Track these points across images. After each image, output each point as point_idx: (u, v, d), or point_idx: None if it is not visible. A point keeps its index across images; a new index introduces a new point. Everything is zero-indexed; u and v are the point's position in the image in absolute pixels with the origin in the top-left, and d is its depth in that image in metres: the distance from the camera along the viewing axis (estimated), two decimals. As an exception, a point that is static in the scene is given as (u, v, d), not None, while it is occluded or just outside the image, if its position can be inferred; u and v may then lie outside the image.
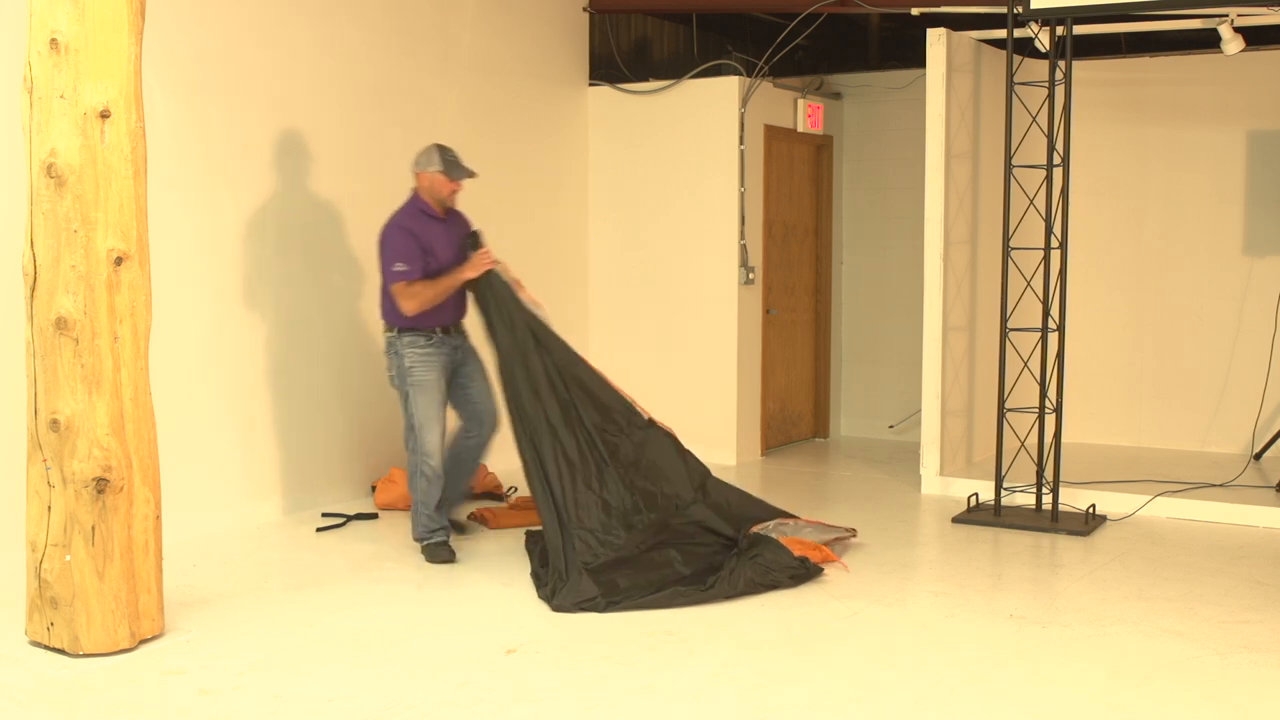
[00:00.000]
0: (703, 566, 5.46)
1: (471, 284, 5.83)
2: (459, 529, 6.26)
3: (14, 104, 4.61)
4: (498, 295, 5.79)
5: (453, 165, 5.83)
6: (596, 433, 5.72)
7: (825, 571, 5.59)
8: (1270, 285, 7.99)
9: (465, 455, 6.07)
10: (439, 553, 5.82)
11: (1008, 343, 6.93)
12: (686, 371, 8.50)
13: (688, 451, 5.99)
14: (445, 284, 5.76)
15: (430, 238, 5.79)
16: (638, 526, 5.59)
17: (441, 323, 5.83)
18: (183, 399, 6.16)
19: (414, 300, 5.69)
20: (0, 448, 5.36)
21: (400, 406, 5.91)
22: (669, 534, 5.66)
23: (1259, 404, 8.00)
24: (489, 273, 5.80)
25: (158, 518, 4.64)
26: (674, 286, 8.55)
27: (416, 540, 5.93)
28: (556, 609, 5.10)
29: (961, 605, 5.22)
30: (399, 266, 5.68)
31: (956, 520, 6.74)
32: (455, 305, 5.90)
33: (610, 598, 5.12)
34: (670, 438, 5.95)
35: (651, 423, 5.90)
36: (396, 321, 5.80)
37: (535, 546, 5.65)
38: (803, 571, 5.50)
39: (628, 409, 5.87)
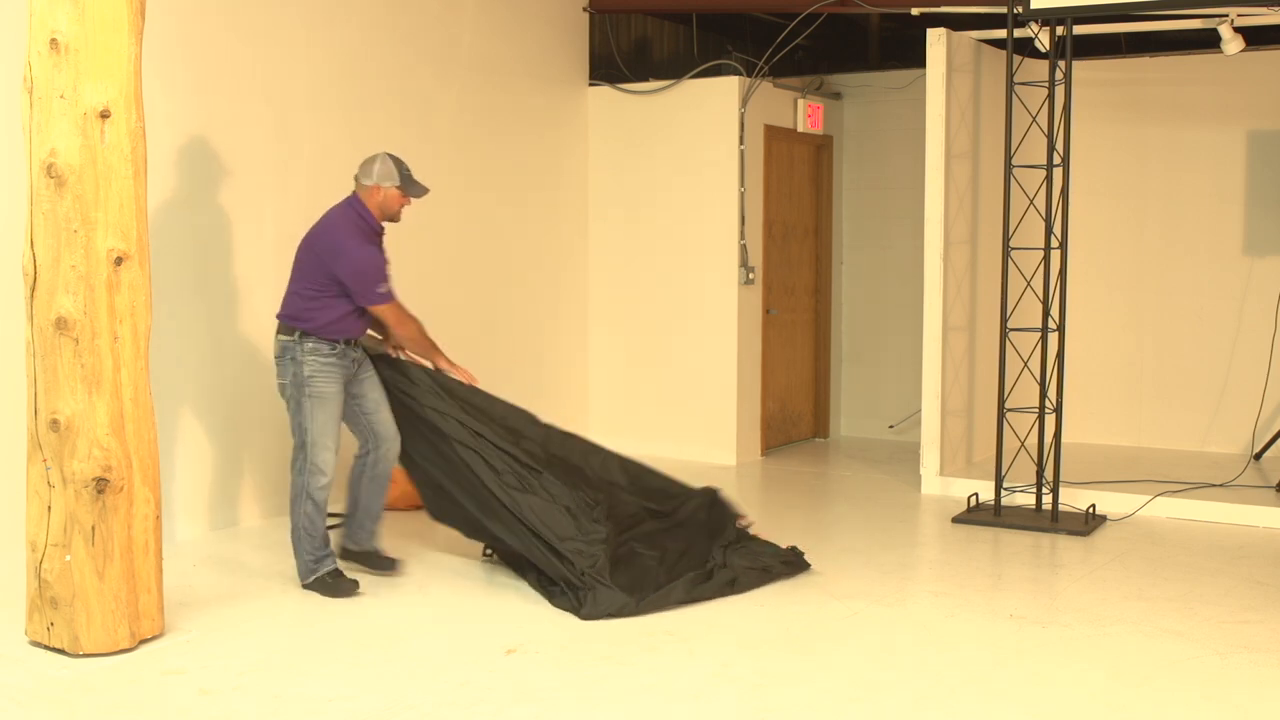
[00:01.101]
0: (672, 552, 5.42)
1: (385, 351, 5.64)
2: (386, 564, 5.59)
3: (14, 104, 4.61)
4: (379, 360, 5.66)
5: (409, 181, 5.37)
6: (511, 449, 5.53)
7: (811, 566, 5.62)
8: (1270, 285, 7.99)
9: (373, 474, 5.51)
10: (340, 586, 5.29)
11: (1008, 343, 6.93)
12: (686, 372, 8.50)
13: (572, 434, 5.91)
14: (424, 342, 5.50)
15: None
16: (600, 518, 5.43)
17: (349, 335, 5.34)
18: (183, 398, 6.16)
19: (408, 326, 5.38)
20: (0, 448, 5.37)
21: (290, 419, 5.36)
22: (621, 525, 5.54)
23: (1259, 404, 8.00)
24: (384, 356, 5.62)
25: (158, 518, 4.64)
26: (674, 286, 8.55)
27: (303, 581, 5.34)
28: (586, 618, 4.98)
29: (961, 605, 5.22)
30: (383, 288, 5.27)
31: (956, 520, 6.74)
32: (366, 321, 5.43)
33: (634, 596, 5.04)
34: (557, 429, 5.88)
35: (536, 420, 5.79)
36: (301, 325, 5.27)
37: (531, 570, 5.52)
38: (793, 558, 5.57)
39: (517, 414, 5.75)
